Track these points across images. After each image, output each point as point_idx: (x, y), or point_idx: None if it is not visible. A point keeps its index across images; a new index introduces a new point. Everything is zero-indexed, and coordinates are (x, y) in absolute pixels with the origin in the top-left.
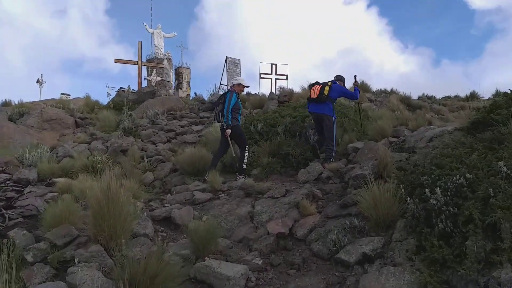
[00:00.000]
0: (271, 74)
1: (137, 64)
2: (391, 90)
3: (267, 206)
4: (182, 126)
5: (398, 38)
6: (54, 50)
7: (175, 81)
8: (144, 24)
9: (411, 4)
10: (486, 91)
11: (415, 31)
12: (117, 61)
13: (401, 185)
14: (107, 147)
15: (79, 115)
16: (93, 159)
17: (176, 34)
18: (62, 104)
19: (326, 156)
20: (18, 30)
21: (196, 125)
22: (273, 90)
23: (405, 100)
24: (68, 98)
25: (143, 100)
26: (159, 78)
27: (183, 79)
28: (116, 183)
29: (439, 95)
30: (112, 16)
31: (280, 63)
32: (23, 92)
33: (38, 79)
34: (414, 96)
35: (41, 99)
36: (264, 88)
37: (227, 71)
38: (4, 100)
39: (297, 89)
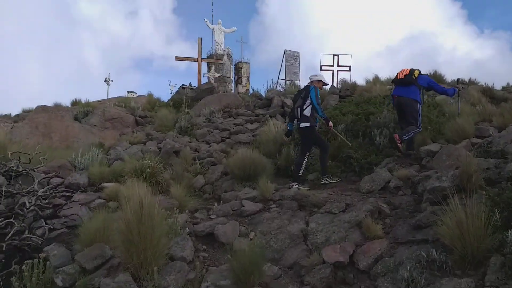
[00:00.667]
0: (333, 65)
1: (197, 61)
2: (469, 80)
3: (323, 224)
4: (237, 125)
5: (473, 22)
6: (126, 50)
7: (234, 76)
8: (205, 20)
9: None
10: None
11: (492, 14)
12: (178, 58)
13: (495, 209)
14: (161, 148)
15: (139, 114)
16: (142, 163)
17: (236, 28)
18: (124, 102)
19: (404, 132)
20: (95, 32)
21: (251, 123)
22: (335, 83)
23: (487, 92)
24: (134, 96)
25: (202, 97)
26: (217, 75)
27: (243, 74)
28: (150, 199)
29: None
30: (179, 14)
31: (342, 53)
32: (97, 90)
33: (105, 78)
34: (497, 87)
35: (108, 97)
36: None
37: (285, 64)
38: (73, 99)
39: (360, 81)
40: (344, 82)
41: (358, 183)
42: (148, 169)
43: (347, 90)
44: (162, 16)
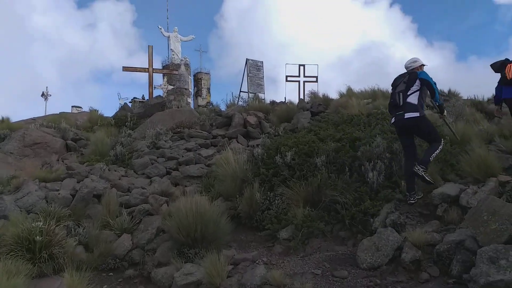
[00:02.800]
0: (299, 76)
1: (147, 72)
2: (449, 91)
3: None
4: (188, 150)
5: (423, 35)
6: (85, 63)
7: (194, 88)
8: (159, 27)
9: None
10: None
11: (439, 27)
12: (126, 69)
13: None
14: (76, 191)
15: (71, 136)
16: (30, 227)
17: (194, 37)
18: (56, 122)
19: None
20: (51, 45)
21: (207, 148)
22: (302, 96)
23: (478, 106)
24: (78, 112)
25: (151, 113)
26: (171, 87)
27: (203, 86)
28: None
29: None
30: (140, 27)
31: (308, 63)
32: (53, 106)
33: (43, 92)
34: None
35: (46, 113)
36: (290, 95)
37: (247, 75)
38: None
39: (331, 94)
40: (313, 94)
41: (350, 242)
42: (38, 237)
43: (319, 106)
44: (122, 29)
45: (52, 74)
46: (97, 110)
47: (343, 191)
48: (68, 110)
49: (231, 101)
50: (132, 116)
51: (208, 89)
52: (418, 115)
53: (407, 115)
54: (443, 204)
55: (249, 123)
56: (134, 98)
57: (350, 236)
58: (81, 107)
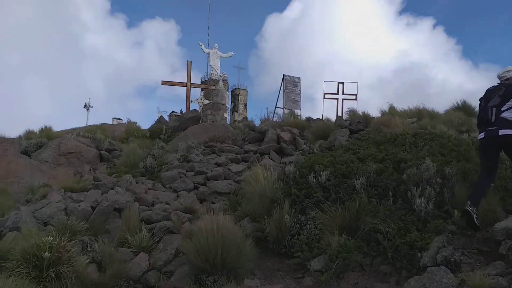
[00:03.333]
0: (337, 94)
1: (185, 86)
2: None
3: None
4: (218, 165)
5: (468, 56)
6: (131, 79)
7: (231, 103)
8: (200, 44)
9: (479, 20)
10: None
11: (485, 48)
12: (165, 83)
13: None
14: (98, 204)
15: (106, 146)
16: (38, 242)
17: (233, 53)
18: (93, 132)
19: None
20: (100, 62)
21: (237, 163)
22: (340, 114)
23: None
24: (118, 123)
25: (186, 127)
26: (207, 101)
27: (239, 101)
28: None
29: None
30: (184, 45)
31: (348, 81)
32: (92, 118)
33: (85, 104)
34: None
35: (88, 124)
36: (328, 113)
37: (284, 91)
38: (27, 130)
39: (374, 112)
40: (352, 112)
41: (393, 280)
42: (46, 253)
43: (359, 123)
44: (168, 47)
45: (100, 89)
46: (135, 122)
47: (385, 219)
48: (110, 122)
49: (266, 116)
50: (167, 129)
51: (245, 105)
52: None
53: (502, 132)
54: (507, 241)
55: (282, 139)
56: (173, 112)
57: (393, 272)
58: (121, 119)
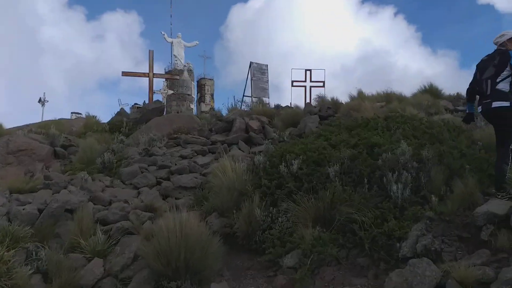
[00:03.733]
0: (305, 81)
1: (148, 77)
2: None
3: None
4: (183, 157)
5: (428, 43)
6: (92, 72)
7: (197, 94)
8: (163, 33)
9: (437, 8)
10: None
11: (444, 36)
12: (126, 74)
13: None
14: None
15: (61, 142)
16: None
17: (198, 42)
18: (46, 128)
19: None
20: (59, 56)
21: (204, 155)
22: (309, 101)
23: None
24: (77, 117)
25: (149, 118)
26: (171, 92)
27: (206, 92)
28: None
29: None
30: (147, 37)
31: (315, 68)
32: (52, 113)
33: (40, 98)
34: None
35: (43, 119)
36: (297, 100)
37: (251, 79)
38: None
39: (343, 98)
40: (321, 98)
41: (371, 273)
42: None
43: (329, 109)
44: (130, 40)
45: (60, 84)
46: (95, 116)
47: (361, 208)
48: (68, 117)
49: (234, 105)
50: (128, 121)
51: (212, 95)
52: (508, 104)
53: (495, 104)
54: (489, 225)
55: (251, 128)
56: (135, 104)
57: (370, 265)
58: (80, 113)
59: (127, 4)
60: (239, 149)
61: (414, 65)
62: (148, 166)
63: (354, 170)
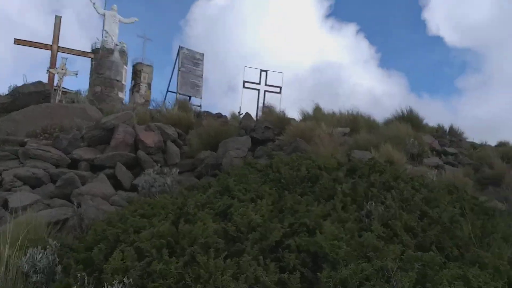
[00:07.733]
0: (259, 83)
1: (50, 49)
2: (450, 128)
3: None
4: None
5: (385, 65)
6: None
7: (131, 81)
8: (92, 2)
9: (399, 32)
10: None
11: (400, 60)
12: (19, 42)
13: None
14: None
15: None
16: None
17: (137, 19)
18: None
19: None
20: (12, 28)
21: (33, 188)
22: (261, 105)
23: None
24: None
25: (25, 104)
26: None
27: (142, 80)
28: None
29: None
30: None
31: (272, 70)
32: None
33: None
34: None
35: None
36: (248, 105)
37: (178, 70)
38: None
39: (293, 110)
40: (268, 109)
41: None
42: None
43: (267, 130)
44: (88, 18)
45: (9, 57)
46: None
47: None
48: None
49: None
50: None
51: (149, 84)
52: None
53: None
54: None
55: (143, 144)
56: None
57: None
58: None
59: None
60: (115, 178)
61: (365, 83)
62: None
63: None
